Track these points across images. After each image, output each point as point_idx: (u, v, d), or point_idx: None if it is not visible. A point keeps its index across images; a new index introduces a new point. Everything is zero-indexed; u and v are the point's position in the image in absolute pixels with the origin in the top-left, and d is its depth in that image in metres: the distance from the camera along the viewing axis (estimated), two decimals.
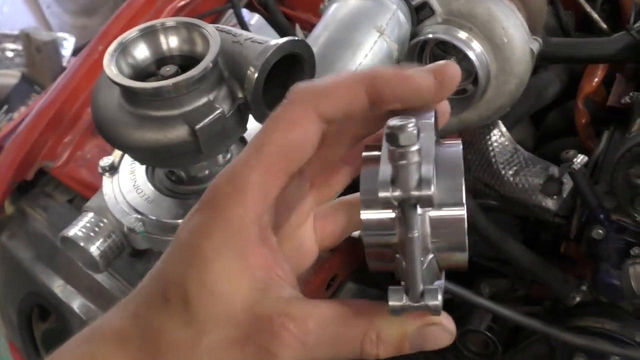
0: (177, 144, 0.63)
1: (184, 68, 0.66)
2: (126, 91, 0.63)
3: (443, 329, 0.38)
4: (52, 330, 1.04)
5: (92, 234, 0.73)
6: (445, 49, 0.97)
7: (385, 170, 0.35)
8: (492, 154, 1.09)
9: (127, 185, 0.74)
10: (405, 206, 0.34)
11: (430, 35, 0.94)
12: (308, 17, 1.22)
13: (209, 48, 0.65)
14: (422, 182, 0.34)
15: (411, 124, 0.33)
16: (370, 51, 0.88)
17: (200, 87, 0.64)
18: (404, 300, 0.36)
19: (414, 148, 0.33)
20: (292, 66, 0.70)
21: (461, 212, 0.38)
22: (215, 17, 1.28)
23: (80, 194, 0.93)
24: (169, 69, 0.66)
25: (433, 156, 0.36)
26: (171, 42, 0.67)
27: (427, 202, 0.34)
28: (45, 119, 1.01)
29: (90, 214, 0.74)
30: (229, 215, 0.37)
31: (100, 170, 0.76)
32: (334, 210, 0.48)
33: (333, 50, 0.87)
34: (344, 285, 1.34)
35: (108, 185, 0.75)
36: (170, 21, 0.67)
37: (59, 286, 0.92)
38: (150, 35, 0.66)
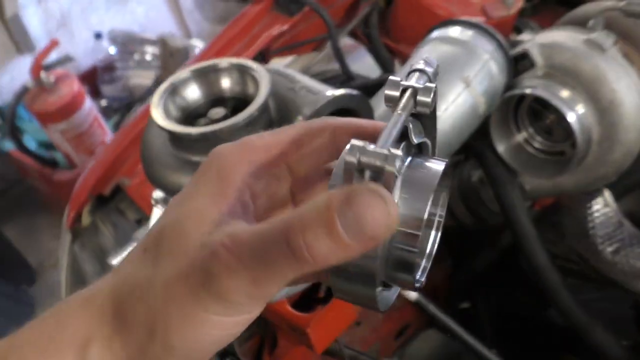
0: None
1: (235, 109, 0.64)
2: (170, 134, 0.62)
3: (374, 194, 0.31)
4: None
5: None
6: (545, 105, 0.88)
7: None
8: (591, 224, 0.97)
9: None
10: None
11: (528, 91, 0.85)
12: (411, 52, 1.16)
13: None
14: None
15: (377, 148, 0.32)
16: (452, 103, 0.81)
17: (244, 133, 0.61)
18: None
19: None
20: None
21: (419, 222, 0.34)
22: (317, 45, 1.26)
23: (148, 216, 0.93)
24: (218, 111, 0.64)
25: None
26: (223, 84, 0.65)
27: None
28: (131, 134, 1.03)
29: (134, 244, 0.73)
30: (222, 163, 0.38)
31: (152, 201, 0.75)
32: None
33: None
34: (421, 333, 1.26)
35: (156, 216, 0.74)
36: (223, 62, 0.64)
37: None
38: (202, 76, 0.64)
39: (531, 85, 0.86)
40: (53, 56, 2.29)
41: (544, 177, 0.92)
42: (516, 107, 0.92)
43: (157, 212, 0.75)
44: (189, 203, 0.37)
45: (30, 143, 2.39)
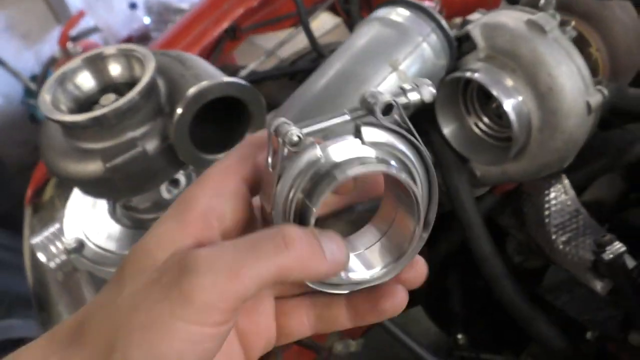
0: (93, 178, 0.62)
1: None
2: (57, 123, 0.63)
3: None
4: None
5: (52, 247, 0.75)
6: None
7: None
8: (547, 212, 0.93)
9: (87, 201, 0.75)
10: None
11: (467, 74, 0.81)
12: None
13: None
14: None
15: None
16: (377, 88, 0.78)
17: (125, 123, 0.62)
18: None
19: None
20: (241, 110, 0.65)
21: None
22: (296, 21, 1.24)
23: None
24: (108, 96, 0.65)
25: None
26: (113, 71, 0.65)
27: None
28: None
29: (57, 226, 0.76)
30: (184, 195, 0.40)
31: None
32: (297, 306, 0.47)
33: (338, 81, 0.80)
34: None
35: (77, 194, 0.76)
36: (110, 49, 0.65)
37: None
38: (92, 64, 0.65)
39: (471, 69, 0.82)
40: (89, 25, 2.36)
41: (489, 162, 0.89)
42: (465, 88, 0.89)
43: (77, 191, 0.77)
44: (151, 230, 0.39)
45: None
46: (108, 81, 0.66)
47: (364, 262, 0.45)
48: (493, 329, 1.18)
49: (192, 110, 0.61)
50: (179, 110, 0.60)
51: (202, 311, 0.34)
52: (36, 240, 0.75)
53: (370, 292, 0.44)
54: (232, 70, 1.14)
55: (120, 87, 0.67)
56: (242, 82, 0.63)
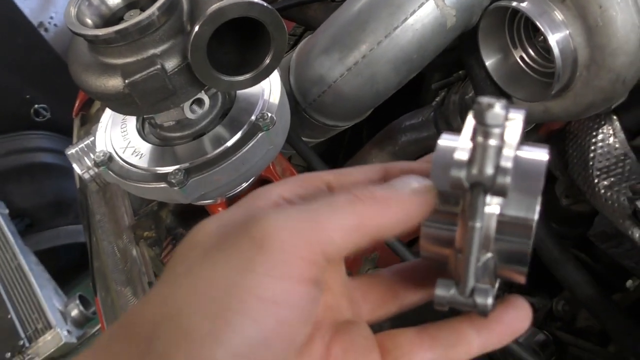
0: (113, 93, 0.63)
1: None
2: (82, 36, 0.64)
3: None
4: None
5: (86, 159, 0.78)
6: None
7: (463, 148, 0.34)
8: (592, 154, 0.88)
9: (118, 117, 0.77)
10: (475, 190, 0.33)
11: (513, 4, 0.77)
12: None
13: None
14: (499, 170, 0.33)
15: (500, 105, 0.32)
16: (412, 15, 0.75)
17: (145, 40, 0.62)
18: (452, 292, 0.36)
19: (498, 130, 0.32)
20: (261, 33, 0.64)
21: (530, 222, 0.36)
22: None
23: None
24: (132, 13, 0.65)
25: (516, 146, 0.34)
26: None
27: (500, 191, 0.33)
28: None
29: (91, 138, 0.79)
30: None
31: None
32: (411, 343, 0.40)
33: (371, 6, 0.77)
34: None
35: (107, 113, 0.79)
36: None
37: None
38: None
39: None
40: None
41: (530, 98, 0.84)
42: (512, 18, 0.84)
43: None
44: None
45: None
46: None
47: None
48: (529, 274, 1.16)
49: (210, 28, 0.60)
50: (197, 28, 0.60)
51: (281, 260, 0.29)
52: (71, 151, 0.79)
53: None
54: None
55: (145, 5, 0.67)
56: (264, 3, 0.62)
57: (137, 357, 0.30)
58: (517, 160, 0.34)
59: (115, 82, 0.63)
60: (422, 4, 0.75)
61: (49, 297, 1.90)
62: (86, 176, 0.78)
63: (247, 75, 0.65)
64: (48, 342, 1.80)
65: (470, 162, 0.33)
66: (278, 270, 0.29)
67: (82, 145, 0.79)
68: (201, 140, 0.72)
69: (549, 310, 1.02)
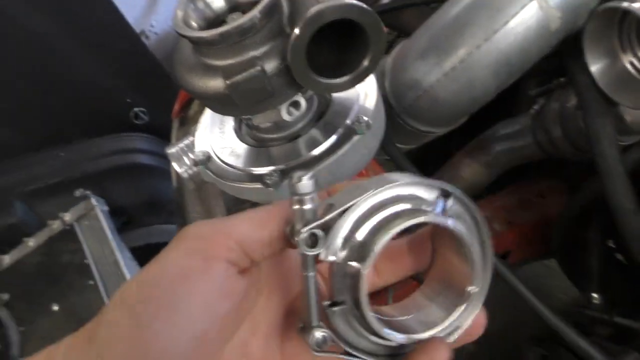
0: (214, 94, 0.65)
1: None
2: (186, 38, 0.66)
3: None
4: None
5: (185, 158, 0.81)
6: None
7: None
8: None
9: (216, 118, 0.79)
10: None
11: (624, 5, 0.73)
12: None
13: None
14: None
15: (308, 176, 0.44)
16: (513, 17, 0.73)
17: (246, 42, 0.63)
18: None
19: (308, 197, 0.43)
20: (359, 35, 0.64)
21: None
22: None
23: None
24: (234, 16, 0.67)
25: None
26: None
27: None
28: None
29: (191, 138, 0.82)
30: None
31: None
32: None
33: (469, 9, 0.75)
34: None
35: (207, 114, 0.81)
36: None
37: None
38: None
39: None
40: None
41: None
42: (622, 20, 0.79)
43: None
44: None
45: None
46: (237, 0, 0.68)
47: (421, 322, 0.48)
48: (633, 292, 1.09)
49: (309, 31, 0.61)
50: (297, 31, 0.61)
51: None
52: (172, 150, 0.81)
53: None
54: None
55: (247, 8, 0.68)
56: (364, 5, 0.61)
57: None
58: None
59: (216, 83, 0.64)
60: (525, 5, 0.72)
61: None
62: (185, 175, 0.80)
63: (345, 78, 0.65)
64: None
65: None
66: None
67: (182, 144, 0.81)
68: (296, 142, 0.73)
69: None
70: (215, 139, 0.78)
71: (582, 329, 0.90)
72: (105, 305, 0.41)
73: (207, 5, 0.68)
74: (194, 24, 0.66)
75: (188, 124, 1.06)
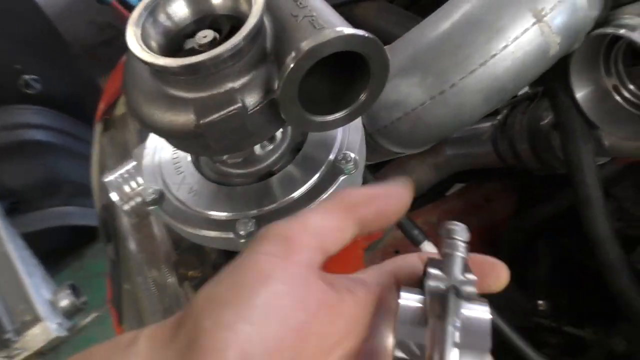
0: (182, 132, 0.52)
1: (231, 32, 0.53)
2: (147, 64, 0.53)
3: None
4: None
5: (126, 187, 0.67)
6: None
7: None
8: None
9: (166, 143, 0.66)
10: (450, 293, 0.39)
11: (622, 31, 0.67)
12: None
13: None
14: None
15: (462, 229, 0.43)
16: (514, 41, 0.65)
17: (224, 72, 0.51)
18: None
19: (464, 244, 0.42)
20: (357, 65, 0.54)
21: None
22: None
23: None
24: (205, 34, 0.54)
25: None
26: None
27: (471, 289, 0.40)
28: None
29: (132, 164, 0.68)
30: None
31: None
32: None
33: (465, 28, 0.67)
34: None
35: (154, 138, 0.68)
36: None
37: None
38: None
39: (629, 25, 0.68)
40: None
41: (628, 134, 0.76)
42: (610, 45, 0.75)
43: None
44: None
45: None
46: (205, 10, 0.55)
47: None
48: (579, 302, 1.09)
49: (304, 66, 0.50)
50: (291, 65, 0.49)
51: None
52: (109, 178, 0.68)
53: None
54: None
55: (218, 20, 0.56)
56: (366, 34, 0.51)
57: None
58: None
59: (185, 119, 0.52)
60: (527, 30, 0.65)
61: (37, 287, 1.78)
62: (126, 207, 0.68)
63: (339, 115, 0.55)
64: (37, 335, 1.69)
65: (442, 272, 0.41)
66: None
67: (122, 171, 0.68)
68: (270, 182, 0.62)
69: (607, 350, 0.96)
70: (169, 170, 0.65)
71: (530, 336, 0.88)
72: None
73: (169, 17, 0.55)
74: (153, 44, 0.53)
75: (114, 128, 0.91)
